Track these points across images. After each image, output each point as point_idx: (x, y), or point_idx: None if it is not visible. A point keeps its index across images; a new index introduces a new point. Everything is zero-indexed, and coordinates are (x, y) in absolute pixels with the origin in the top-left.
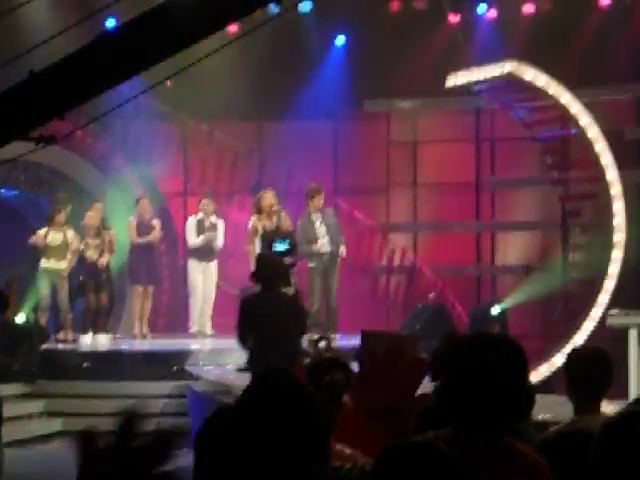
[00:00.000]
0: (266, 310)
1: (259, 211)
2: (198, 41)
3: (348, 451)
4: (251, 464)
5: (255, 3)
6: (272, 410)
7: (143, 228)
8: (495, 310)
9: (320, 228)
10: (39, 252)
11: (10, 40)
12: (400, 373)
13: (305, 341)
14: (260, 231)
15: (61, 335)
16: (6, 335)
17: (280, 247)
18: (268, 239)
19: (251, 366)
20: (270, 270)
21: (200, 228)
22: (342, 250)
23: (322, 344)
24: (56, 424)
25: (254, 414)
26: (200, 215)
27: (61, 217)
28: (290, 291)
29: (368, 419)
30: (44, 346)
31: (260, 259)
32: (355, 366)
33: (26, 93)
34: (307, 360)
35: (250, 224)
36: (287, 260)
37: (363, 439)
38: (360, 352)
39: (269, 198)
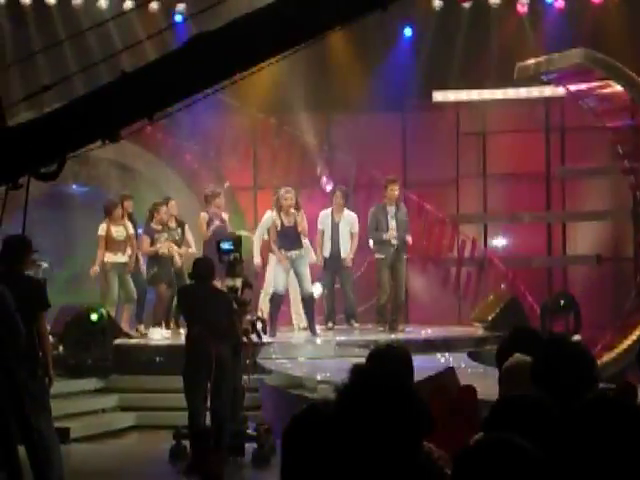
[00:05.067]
0: (196, 299)
1: (279, 209)
2: (298, 45)
3: (436, 450)
4: (349, 460)
5: (362, 9)
6: (374, 407)
7: (215, 224)
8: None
9: (391, 221)
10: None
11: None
12: (453, 408)
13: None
14: (278, 227)
15: (134, 329)
16: (80, 330)
17: (224, 246)
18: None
19: (187, 345)
20: (200, 269)
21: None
22: (408, 238)
23: (259, 325)
24: (129, 419)
25: (356, 411)
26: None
27: (119, 211)
28: (237, 282)
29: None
30: (117, 341)
31: (195, 262)
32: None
33: (117, 93)
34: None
35: (271, 221)
36: (231, 256)
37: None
38: None
39: (289, 198)
